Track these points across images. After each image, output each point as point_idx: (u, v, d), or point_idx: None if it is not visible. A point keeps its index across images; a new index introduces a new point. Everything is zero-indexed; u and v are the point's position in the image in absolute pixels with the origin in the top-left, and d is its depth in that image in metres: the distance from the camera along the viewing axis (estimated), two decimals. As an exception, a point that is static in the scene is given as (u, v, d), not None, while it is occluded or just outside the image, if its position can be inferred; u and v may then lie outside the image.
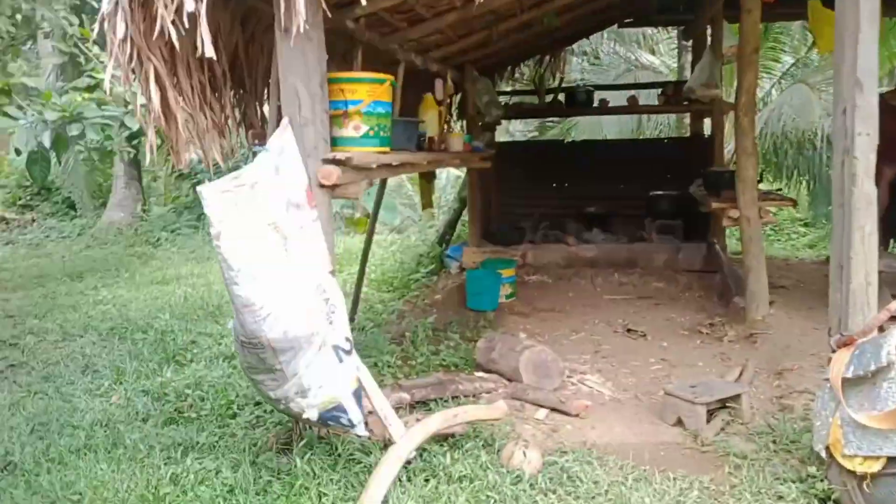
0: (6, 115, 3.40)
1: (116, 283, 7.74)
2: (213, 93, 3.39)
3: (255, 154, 2.76)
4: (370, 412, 3.06)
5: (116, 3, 2.65)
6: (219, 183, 2.50)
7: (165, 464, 3.13)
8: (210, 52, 2.59)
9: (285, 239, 2.70)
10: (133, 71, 2.81)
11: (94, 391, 4.32)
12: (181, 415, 3.84)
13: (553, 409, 3.58)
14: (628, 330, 5.02)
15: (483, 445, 3.10)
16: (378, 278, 7.41)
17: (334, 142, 3.06)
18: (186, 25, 2.58)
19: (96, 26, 2.71)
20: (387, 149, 3.18)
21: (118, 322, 5.95)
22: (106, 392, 4.30)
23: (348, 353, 2.85)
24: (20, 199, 12.13)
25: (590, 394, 3.87)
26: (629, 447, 3.14)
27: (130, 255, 9.66)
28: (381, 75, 3.11)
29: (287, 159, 2.79)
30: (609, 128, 10.35)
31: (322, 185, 2.90)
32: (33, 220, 11.70)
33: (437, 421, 3.01)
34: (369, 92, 3.02)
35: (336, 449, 3.05)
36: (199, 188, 2.49)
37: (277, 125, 2.90)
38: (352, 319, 5.65)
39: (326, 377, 2.78)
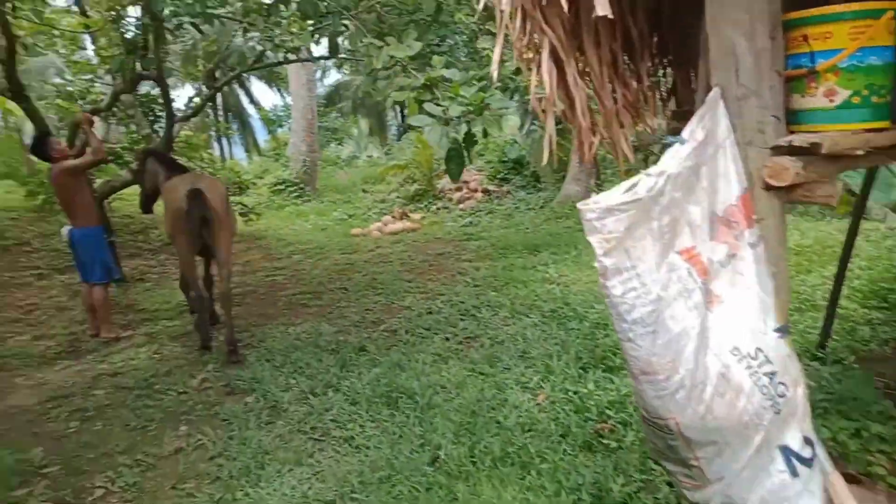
0: (428, 113, 3.27)
1: (564, 261, 7.86)
2: (627, 63, 2.64)
3: (664, 148, 1.89)
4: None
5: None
6: (605, 197, 1.74)
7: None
8: (605, 10, 1.84)
9: (705, 276, 1.80)
10: (527, 47, 2.27)
11: (524, 383, 4.28)
12: (600, 439, 3.43)
13: None
14: None
15: None
16: (863, 287, 5.37)
17: (792, 118, 1.95)
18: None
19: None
20: (884, 123, 1.88)
21: (558, 304, 5.94)
22: (534, 388, 4.21)
23: (808, 462, 1.77)
24: (500, 173, 13.94)
25: None
26: None
27: (579, 231, 9.77)
28: (875, 4, 1.82)
29: (712, 153, 1.85)
30: None
31: (769, 188, 1.85)
32: (508, 192, 13.26)
33: None
34: (853, 34, 1.79)
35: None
36: (578, 205, 1.77)
37: (704, 101, 1.97)
38: (822, 345, 4.19)
39: (769, 494, 1.79)
